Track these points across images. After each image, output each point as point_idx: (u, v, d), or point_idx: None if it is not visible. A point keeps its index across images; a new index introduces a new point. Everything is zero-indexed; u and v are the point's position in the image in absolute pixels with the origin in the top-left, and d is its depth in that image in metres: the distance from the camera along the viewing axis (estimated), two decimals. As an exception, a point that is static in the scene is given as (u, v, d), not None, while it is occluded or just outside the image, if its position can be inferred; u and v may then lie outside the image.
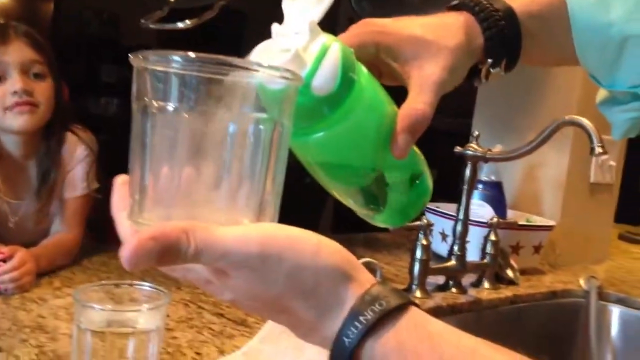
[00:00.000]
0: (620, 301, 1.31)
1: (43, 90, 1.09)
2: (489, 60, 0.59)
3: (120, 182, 0.43)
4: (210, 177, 0.39)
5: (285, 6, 0.49)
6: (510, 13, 0.59)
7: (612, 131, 0.64)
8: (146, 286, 0.72)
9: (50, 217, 1.17)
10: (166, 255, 0.36)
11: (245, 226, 0.39)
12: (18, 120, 1.07)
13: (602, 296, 1.29)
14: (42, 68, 1.10)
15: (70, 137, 1.17)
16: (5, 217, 1.13)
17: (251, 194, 0.40)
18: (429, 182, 0.60)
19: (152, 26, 1.05)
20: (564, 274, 1.45)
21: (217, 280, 0.39)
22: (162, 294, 0.71)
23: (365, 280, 0.40)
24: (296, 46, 0.46)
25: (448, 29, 0.57)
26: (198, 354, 0.78)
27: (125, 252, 0.36)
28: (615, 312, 1.30)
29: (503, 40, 0.59)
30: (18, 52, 1.07)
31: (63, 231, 1.14)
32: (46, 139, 1.13)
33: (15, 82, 1.05)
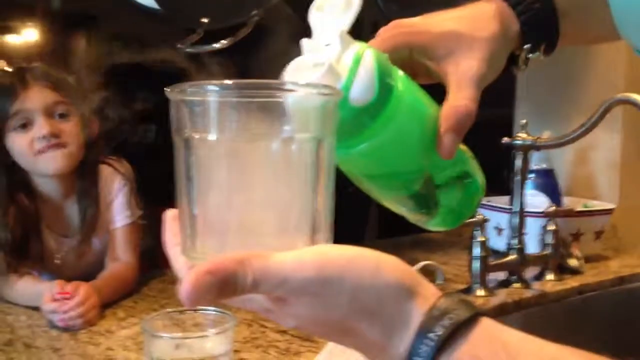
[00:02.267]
0: (692, 280, 1.25)
1: (70, 129, 1.10)
2: (527, 46, 0.57)
3: (170, 218, 0.42)
4: (260, 203, 0.39)
5: (312, 18, 0.48)
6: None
7: None
8: (210, 310, 0.71)
9: (94, 251, 1.18)
10: (225, 288, 0.35)
11: (301, 250, 0.37)
12: (50, 164, 1.08)
13: (673, 277, 1.24)
14: (66, 107, 1.10)
15: (105, 170, 1.19)
16: (51, 254, 1.15)
17: (302, 215, 0.39)
18: (481, 179, 0.58)
19: (188, 50, 1.06)
20: (629, 257, 1.40)
21: (277, 308, 0.38)
22: (227, 316, 0.70)
23: (430, 294, 0.39)
24: (329, 59, 0.45)
25: (480, 20, 0.55)
26: (268, 373, 0.77)
27: (183, 290, 0.35)
28: (689, 293, 1.25)
29: (539, 23, 0.57)
30: (39, 96, 1.07)
31: (118, 262, 1.16)
32: (81, 176, 1.15)
33: (41, 127, 1.06)
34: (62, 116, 1.10)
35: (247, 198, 0.38)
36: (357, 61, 0.45)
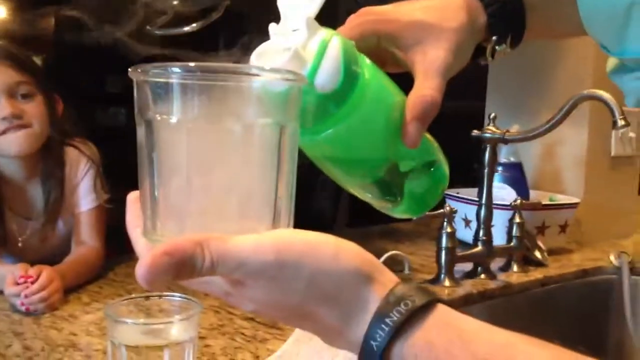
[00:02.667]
0: (653, 274, 1.29)
1: (33, 109, 1.08)
2: (494, 38, 0.58)
3: (132, 199, 0.42)
4: (221, 187, 0.38)
5: (281, 4, 0.48)
6: None
7: (626, 99, 0.62)
8: (176, 297, 0.71)
9: (58, 234, 1.16)
10: (182, 269, 0.35)
11: (260, 234, 0.37)
12: (13, 145, 1.06)
13: (635, 271, 1.27)
14: (29, 88, 1.08)
15: (71, 152, 1.17)
16: (14, 237, 1.13)
17: (264, 199, 0.39)
18: (445, 169, 0.58)
19: (157, 32, 1.04)
20: (592, 251, 1.43)
21: (235, 292, 0.39)
22: (193, 303, 0.70)
23: (388, 281, 0.39)
24: (295, 44, 0.45)
25: (449, 10, 0.55)
26: (233, 360, 0.77)
27: (140, 270, 0.35)
28: (649, 286, 1.28)
29: (506, 15, 0.58)
30: (1, 76, 1.05)
31: (83, 246, 1.14)
32: (45, 157, 1.13)
33: (3, 107, 1.04)
34: (25, 96, 1.08)
35: (208, 181, 0.38)
36: (323, 47, 0.45)
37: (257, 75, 0.38)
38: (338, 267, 0.38)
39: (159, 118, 0.38)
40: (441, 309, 0.39)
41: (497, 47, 0.58)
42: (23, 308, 0.91)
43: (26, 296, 0.90)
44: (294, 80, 0.40)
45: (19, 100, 1.07)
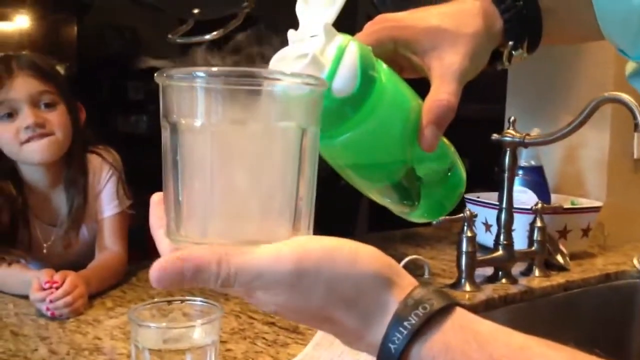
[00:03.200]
0: (676, 279, 1.27)
1: (56, 118, 1.09)
2: (510, 43, 0.58)
3: (156, 201, 0.43)
4: (242, 189, 0.39)
5: (299, 11, 0.49)
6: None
7: None
8: (198, 301, 0.72)
9: (82, 240, 1.18)
10: (196, 277, 0.37)
11: (279, 244, 0.38)
12: (36, 153, 1.08)
13: (658, 275, 1.26)
14: (52, 97, 1.10)
15: (94, 159, 1.18)
16: (39, 243, 1.15)
17: (284, 202, 0.40)
18: (462, 173, 0.59)
19: (178, 41, 1.05)
20: (615, 255, 1.41)
21: (255, 297, 0.40)
22: (214, 307, 0.71)
23: (407, 284, 0.40)
24: (313, 50, 0.46)
25: (465, 16, 0.56)
26: (255, 364, 0.78)
27: (153, 267, 0.37)
28: (673, 290, 1.27)
29: (522, 21, 0.58)
30: (25, 85, 1.07)
31: (106, 251, 1.16)
32: (68, 165, 1.14)
33: (26, 117, 1.06)
34: (48, 106, 1.09)
35: (230, 184, 0.39)
36: (340, 52, 0.46)
37: (280, 79, 0.39)
38: (356, 272, 0.38)
39: (183, 122, 0.39)
40: (459, 312, 0.39)
41: (513, 52, 0.58)
42: (48, 313, 0.93)
43: (51, 301, 0.92)
44: (316, 84, 0.41)
45: (42, 110, 1.08)
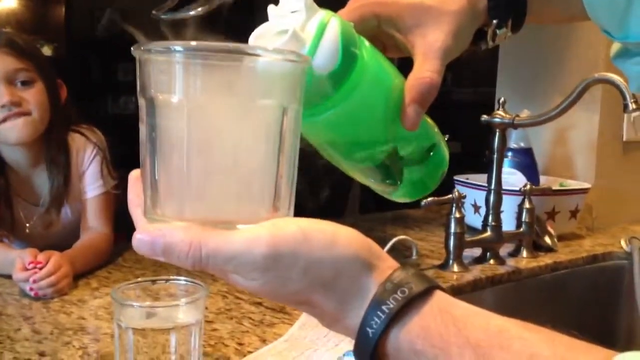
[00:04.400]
0: (664, 260, 1.27)
1: (33, 96, 1.07)
2: (494, 22, 0.57)
3: (134, 177, 0.43)
4: (221, 168, 0.38)
5: None
6: None
7: (629, 84, 0.62)
8: (182, 280, 0.71)
9: (66, 220, 1.17)
10: (167, 257, 0.37)
11: (255, 226, 0.37)
12: (13, 133, 1.06)
13: (645, 256, 1.26)
14: (29, 74, 1.08)
15: (77, 139, 1.17)
16: (22, 223, 1.13)
17: (264, 182, 0.39)
18: (445, 152, 0.58)
19: (163, 17, 1.03)
20: (603, 236, 1.42)
21: (232, 280, 0.39)
22: (199, 287, 0.70)
23: (386, 267, 0.39)
24: (293, 26, 0.45)
25: None
26: (240, 344, 0.77)
27: (133, 239, 0.37)
28: (660, 272, 1.27)
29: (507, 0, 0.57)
30: (0, 63, 1.05)
31: (91, 231, 1.15)
32: (48, 144, 1.12)
33: (1, 95, 1.04)
34: (25, 83, 1.07)
35: (208, 162, 0.38)
36: (321, 28, 0.45)
37: (261, 55, 0.38)
38: (334, 254, 0.38)
39: (160, 97, 0.37)
40: (438, 296, 0.38)
41: (497, 31, 0.58)
42: (32, 293, 0.92)
43: (34, 281, 0.91)
44: (298, 61, 0.39)
45: (18, 88, 1.06)
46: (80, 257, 1.04)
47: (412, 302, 0.37)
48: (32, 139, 1.09)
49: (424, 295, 0.38)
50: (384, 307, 0.37)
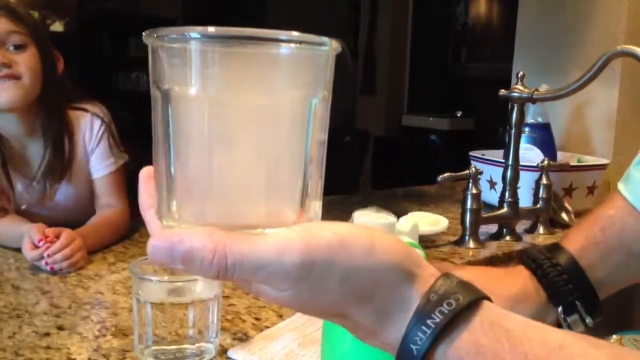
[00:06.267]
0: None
1: (25, 60, 1.05)
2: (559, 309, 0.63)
3: (145, 176, 0.39)
4: (244, 166, 0.35)
5: None
6: (572, 264, 0.64)
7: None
8: (200, 255, 0.71)
9: (71, 199, 1.15)
10: (188, 267, 0.33)
11: (286, 231, 0.34)
12: (2, 95, 1.03)
13: (664, 233, 1.24)
14: (22, 38, 1.05)
15: (82, 116, 1.14)
16: (19, 198, 1.11)
17: (292, 180, 0.36)
18: None
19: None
20: (620, 213, 1.40)
21: (260, 289, 0.36)
22: (217, 262, 0.70)
23: (428, 276, 0.36)
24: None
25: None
26: (257, 319, 0.78)
27: (148, 247, 0.34)
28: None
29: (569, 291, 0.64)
30: None
31: (107, 208, 1.14)
32: (41, 113, 1.10)
33: None
34: (18, 47, 1.05)
35: (230, 160, 0.34)
36: None
37: (285, 41, 0.34)
38: (373, 263, 0.34)
39: (176, 89, 0.34)
40: (487, 307, 0.35)
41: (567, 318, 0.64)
42: (48, 267, 0.92)
43: (49, 255, 0.91)
44: (326, 46, 0.36)
45: (10, 51, 1.04)
46: (92, 233, 1.03)
47: (460, 315, 0.34)
48: (23, 105, 1.06)
49: (472, 306, 0.35)
50: (429, 322, 0.34)
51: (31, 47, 1.07)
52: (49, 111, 1.10)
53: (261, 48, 0.33)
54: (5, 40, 1.04)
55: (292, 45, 0.34)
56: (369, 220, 0.46)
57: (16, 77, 1.04)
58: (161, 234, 0.34)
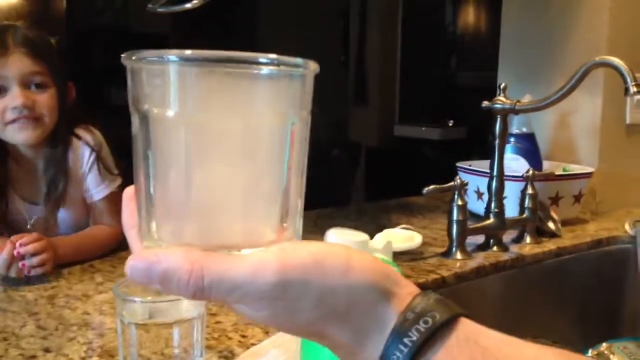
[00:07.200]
0: (668, 243, 1.27)
1: (45, 100, 1.07)
2: None
3: (129, 196, 0.39)
4: (223, 187, 0.35)
5: None
6: None
7: None
8: (185, 274, 0.71)
9: (65, 223, 1.16)
10: (164, 286, 0.34)
11: (261, 252, 0.34)
12: (20, 134, 1.06)
13: (650, 240, 1.26)
14: (44, 78, 1.07)
15: (75, 143, 1.15)
16: (24, 220, 1.13)
17: (271, 200, 0.36)
18: None
19: (159, 10, 1.03)
20: (607, 221, 1.41)
21: (237, 309, 0.36)
22: (201, 280, 0.70)
23: (406, 294, 0.36)
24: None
25: None
26: (244, 336, 0.78)
27: (126, 267, 0.35)
28: (665, 255, 1.27)
29: None
30: (17, 64, 1.04)
31: (96, 226, 1.15)
32: (51, 144, 1.12)
33: (15, 97, 1.03)
34: (39, 86, 1.07)
35: (209, 180, 0.35)
36: None
37: (264, 63, 0.34)
38: (349, 283, 0.34)
39: (155, 110, 0.35)
40: (463, 324, 0.35)
41: None
42: (20, 265, 0.95)
43: (21, 245, 0.95)
44: (304, 68, 0.36)
45: (32, 90, 1.06)
46: (67, 242, 1.05)
47: (437, 333, 0.34)
48: (39, 141, 1.10)
49: (449, 324, 0.35)
50: (405, 340, 0.34)
51: (51, 87, 1.09)
52: (59, 142, 1.13)
53: (239, 70, 0.34)
54: (29, 80, 1.06)
55: (271, 67, 0.35)
56: (341, 238, 0.47)
57: (37, 118, 1.06)
58: (139, 254, 0.35)
